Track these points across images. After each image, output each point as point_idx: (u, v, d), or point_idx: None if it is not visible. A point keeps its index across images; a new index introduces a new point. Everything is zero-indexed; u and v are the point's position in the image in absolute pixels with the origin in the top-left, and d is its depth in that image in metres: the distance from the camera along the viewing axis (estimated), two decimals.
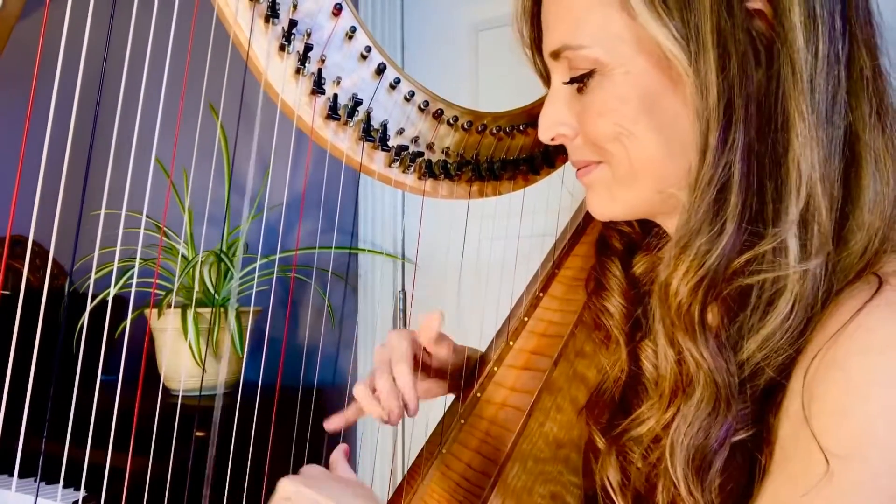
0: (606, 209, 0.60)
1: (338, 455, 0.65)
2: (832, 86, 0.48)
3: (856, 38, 0.50)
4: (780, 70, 0.48)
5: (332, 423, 0.71)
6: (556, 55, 0.56)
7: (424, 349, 0.73)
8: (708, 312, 0.50)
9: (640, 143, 0.53)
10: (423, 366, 0.75)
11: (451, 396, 0.78)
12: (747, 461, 0.49)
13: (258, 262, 1.49)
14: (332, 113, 0.63)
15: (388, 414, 0.65)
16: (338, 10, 0.61)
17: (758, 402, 0.49)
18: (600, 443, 0.59)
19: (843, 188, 0.49)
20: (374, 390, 0.66)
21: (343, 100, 0.64)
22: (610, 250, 0.68)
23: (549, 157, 0.74)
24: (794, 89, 0.48)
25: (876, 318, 0.44)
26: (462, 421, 0.71)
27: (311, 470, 0.59)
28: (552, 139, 0.60)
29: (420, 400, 0.74)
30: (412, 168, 0.69)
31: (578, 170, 0.61)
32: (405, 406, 0.65)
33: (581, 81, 0.55)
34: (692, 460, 0.48)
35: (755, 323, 0.49)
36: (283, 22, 0.60)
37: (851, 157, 0.49)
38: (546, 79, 0.64)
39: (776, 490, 0.46)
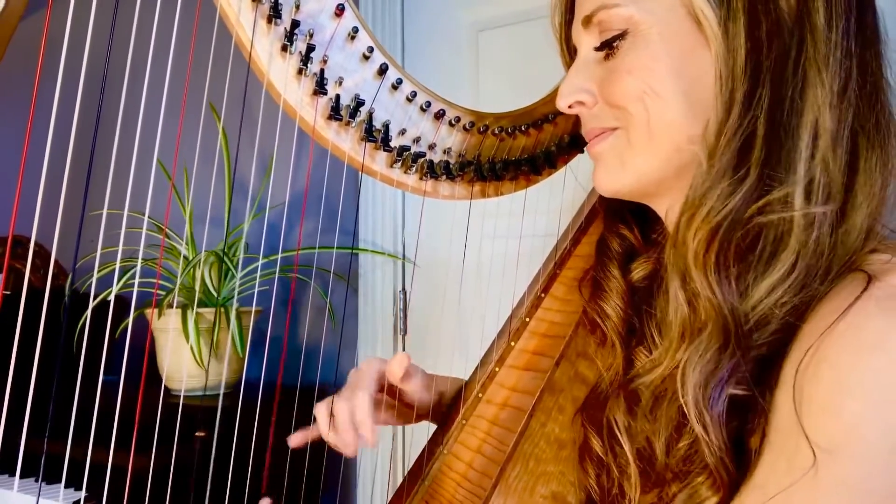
0: (614, 181, 0.60)
1: None
2: (844, 74, 0.52)
3: (867, 40, 0.53)
4: (804, 39, 0.51)
5: (295, 440, 0.72)
6: (588, 20, 0.58)
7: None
8: (722, 253, 0.52)
9: (663, 104, 0.55)
10: (392, 393, 0.75)
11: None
12: (739, 419, 0.51)
13: (259, 262, 1.49)
14: (334, 113, 0.63)
15: (344, 446, 0.67)
16: (340, 10, 0.62)
17: (753, 367, 0.51)
18: (596, 444, 0.59)
19: (847, 171, 0.52)
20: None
21: (345, 100, 0.64)
22: (610, 252, 0.68)
23: (551, 158, 0.74)
24: (816, 57, 0.51)
25: (865, 315, 0.45)
26: (463, 421, 0.71)
27: None
28: (570, 106, 0.61)
29: (389, 424, 0.76)
30: (414, 168, 0.69)
31: (591, 140, 0.62)
32: (362, 437, 0.66)
33: (611, 45, 0.57)
34: (703, 388, 0.50)
35: (760, 272, 0.50)
36: (286, 22, 0.60)
37: (853, 142, 0.52)
38: (569, 62, 0.66)
39: (766, 477, 0.47)
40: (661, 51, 0.55)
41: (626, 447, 0.57)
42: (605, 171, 0.61)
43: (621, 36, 0.56)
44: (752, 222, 0.51)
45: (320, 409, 0.69)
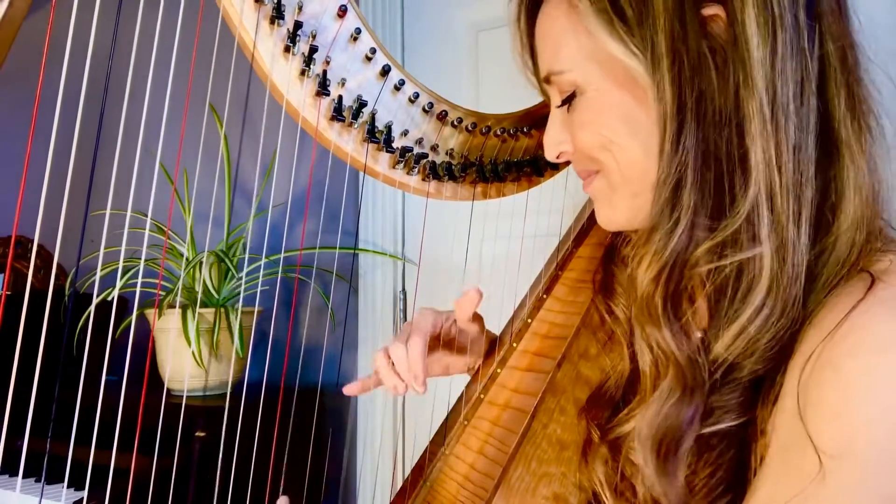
0: (609, 219, 0.62)
1: None
2: (795, 79, 0.49)
3: (824, 33, 0.51)
4: (733, 69, 0.50)
5: (351, 389, 0.76)
6: (547, 81, 0.61)
7: (452, 329, 0.77)
8: (689, 308, 0.52)
9: (624, 150, 0.56)
10: (448, 342, 0.78)
11: (455, 396, 0.78)
12: (737, 449, 0.50)
13: (262, 261, 1.49)
14: (337, 114, 0.63)
15: (396, 386, 0.70)
16: (342, 11, 0.62)
17: (746, 391, 0.50)
18: (597, 439, 0.59)
19: (823, 178, 0.50)
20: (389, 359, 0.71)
21: (348, 101, 0.64)
22: (617, 257, 0.69)
23: None
24: (745, 87, 0.49)
25: (869, 317, 0.44)
26: (465, 422, 0.71)
27: None
28: (557, 157, 0.64)
29: (441, 375, 0.80)
30: (416, 169, 0.69)
31: (584, 181, 0.64)
32: (415, 377, 0.69)
33: (568, 102, 0.59)
34: (656, 447, 0.50)
35: (731, 315, 0.50)
36: (289, 23, 0.60)
37: (829, 146, 0.51)
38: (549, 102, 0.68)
39: (773, 488, 0.47)
40: (603, 106, 0.56)
41: (609, 500, 0.56)
42: (600, 210, 0.63)
43: (573, 95, 0.58)
44: (698, 268, 0.51)
45: (377, 355, 0.72)
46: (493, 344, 0.78)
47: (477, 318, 0.77)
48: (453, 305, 0.75)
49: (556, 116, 0.63)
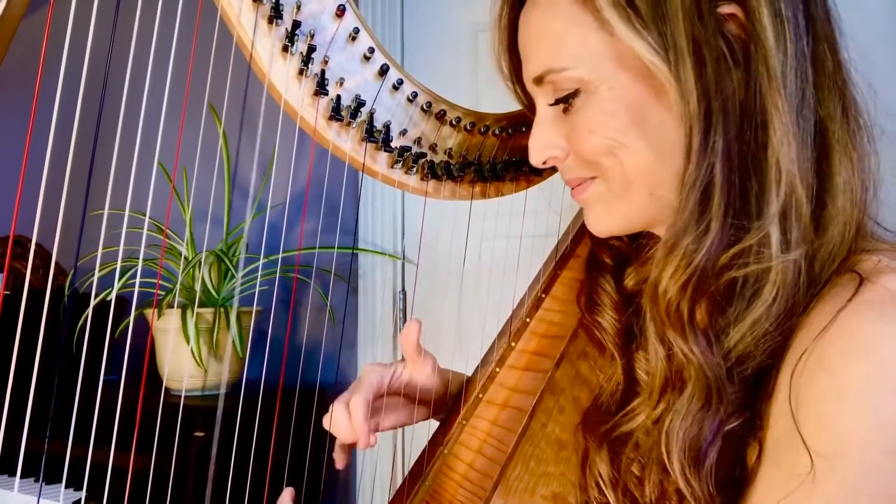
0: (605, 225, 0.61)
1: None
2: (801, 81, 0.50)
3: (818, 35, 0.52)
4: (756, 69, 0.50)
5: (341, 460, 0.73)
6: (539, 80, 0.58)
7: (403, 375, 0.73)
8: (697, 308, 0.51)
9: (633, 152, 0.54)
10: (404, 392, 0.74)
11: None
12: (736, 447, 0.50)
13: (260, 262, 1.49)
14: (335, 114, 0.63)
15: (347, 443, 0.69)
16: (341, 11, 0.62)
17: (747, 387, 0.50)
18: (597, 446, 0.59)
19: (817, 177, 0.51)
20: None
21: (346, 101, 0.64)
22: (601, 266, 0.68)
23: None
24: (770, 87, 0.49)
25: (858, 319, 0.45)
26: (464, 422, 0.71)
27: None
28: (544, 162, 0.61)
29: (401, 426, 0.76)
30: (415, 169, 0.69)
31: (573, 189, 0.62)
32: (360, 438, 0.67)
33: (566, 102, 0.56)
34: (688, 451, 0.50)
35: (741, 312, 0.50)
36: (287, 23, 0.60)
37: (822, 147, 0.51)
38: (528, 107, 0.65)
39: (767, 488, 0.47)
40: (617, 105, 0.54)
41: (611, 499, 0.56)
42: (595, 217, 0.61)
43: (574, 94, 0.55)
44: (725, 275, 0.50)
45: (326, 418, 0.70)
46: (465, 385, 0.74)
47: (426, 356, 0.73)
48: (401, 337, 0.72)
49: (545, 118, 0.59)
